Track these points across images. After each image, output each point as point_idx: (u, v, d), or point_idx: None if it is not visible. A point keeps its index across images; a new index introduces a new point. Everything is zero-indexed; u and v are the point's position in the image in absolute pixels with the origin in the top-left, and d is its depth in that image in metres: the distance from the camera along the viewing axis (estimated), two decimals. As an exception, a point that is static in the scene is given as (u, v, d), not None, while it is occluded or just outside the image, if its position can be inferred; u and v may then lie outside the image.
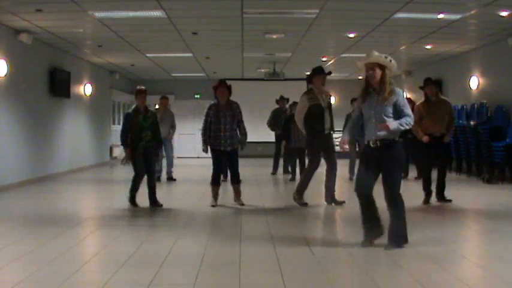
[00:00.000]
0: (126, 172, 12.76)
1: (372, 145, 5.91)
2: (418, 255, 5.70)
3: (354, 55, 15.63)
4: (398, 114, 5.86)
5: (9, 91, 11.38)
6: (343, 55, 15.70)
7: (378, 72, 5.84)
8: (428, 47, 14.11)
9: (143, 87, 9.08)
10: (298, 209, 8.76)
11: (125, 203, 8.95)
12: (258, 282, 4.86)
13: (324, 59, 16.71)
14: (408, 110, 5.88)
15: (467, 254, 5.88)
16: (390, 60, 5.87)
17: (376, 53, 5.90)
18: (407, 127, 5.88)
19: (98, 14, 10.45)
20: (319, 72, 8.90)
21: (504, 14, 10.16)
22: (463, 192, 11.14)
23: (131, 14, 10.46)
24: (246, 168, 16.00)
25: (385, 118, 5.81)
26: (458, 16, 10.54)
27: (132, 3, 9.80)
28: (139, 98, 8.91)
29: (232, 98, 9.02)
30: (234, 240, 6.36)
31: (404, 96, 5.63)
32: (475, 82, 14.28)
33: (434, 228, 7.19)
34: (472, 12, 10.12)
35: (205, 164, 17.68)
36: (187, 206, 9.12)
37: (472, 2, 9.55)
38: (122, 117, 21.54)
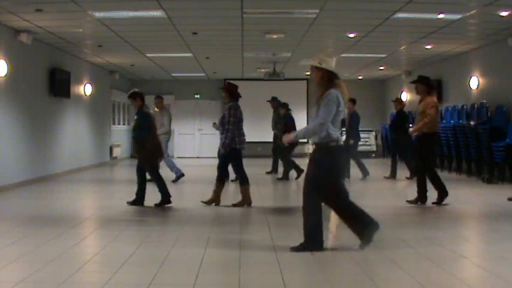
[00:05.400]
0: (126, 172, 12.85)
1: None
2: (418, 255, 5.71)
3: (354, 55, 15.67)
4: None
5: (9, 91, 11.38)
6: (343, 55, 15.69)
7: (314, 74, 5.80)
8: (428, 47, 14.11)
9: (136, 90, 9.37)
10: (297, 209, 8.76)
11: (125, 203, 8.97)
12: (258, 282, 4.86)
13: (324, 59, 16.68)
14: (323, 112, 5.62)
15: (467, 254, 5.88)
16: (320, 63, 5.70)
17: (320, 56, 5.76)
18: (314, 131, 5.64)
19: (98, 14, 10.45)
20: None
21: (504, 14, 10.17)
22: (463, 192, 11.15)
23: (131, 14, 10.46)
24: (246, 168, 16.02)
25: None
26: (458, 16, 10.54)
27: (132, 3, 9.81)
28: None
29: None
30: (234, 240, 6.36)
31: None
32: (475, 82, 14.28)
33: (434, 229, 7.20)
34: (472, 12, 10.12)
35: (205, 164, 17.72)
36: (187, 206, 9.12)
37: (472, 2, 9.55)
38: (122, 117, 21.62)
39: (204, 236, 6.62)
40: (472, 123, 13.01)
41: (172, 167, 12.63)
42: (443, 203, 8.90)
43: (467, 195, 10.81)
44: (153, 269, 5.05)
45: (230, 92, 9.05)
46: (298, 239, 5.84)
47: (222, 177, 9.04)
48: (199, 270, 5.04)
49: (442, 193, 8.96)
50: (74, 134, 15.49)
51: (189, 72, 20.09)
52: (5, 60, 11.07)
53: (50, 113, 13.72)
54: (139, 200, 8.99)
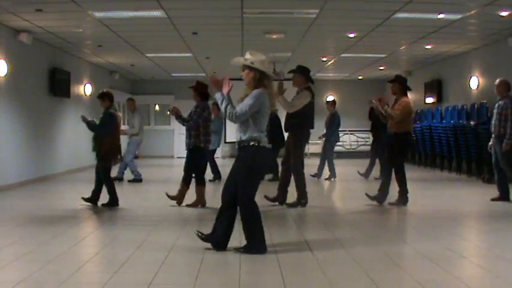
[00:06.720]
0: (125, 172, 12.86)
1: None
2: (418, 255, 5.71)
3: (354, 55, 15.66)
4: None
5: (9, 91, 11.39)
6: (343, 55, 15.69)
7: (246, 74, 5.72)
8: (428, 47, 14.11)
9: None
10: (296, 209, 8.76)
11: (125, 203, 8.98)
12: (258, 282, 4.86)
13: (324, 59, 16.71)
14: (243, 105, 5.60)
15: (467, 254, 5.88)
16: (253, 63, 5.61)
17: (247, 55, 5.69)
18: (227, 114, 5.62)
19: (98, 14, 10.45)
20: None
21: (504, 14, 10.17)
22: (463, 192, 11.16)
23: (131, 14, 10.46)
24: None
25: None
26: (458, 16, 10.54)
27: (132, 3, 9.81)
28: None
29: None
30: (234, 240, 6.35)
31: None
32: (475, 82, 14.28)
33: (434, 228, 7.20)
34: (472, 12, 10.12)
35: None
36: (187, 207, 9.11)
37: (472, 2, 9.55)
38: (122, 117, 21.61)
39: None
40: (472, 123, 13.01)
41: (133, 169, 12.87)
42: (401, 205, 8.86)
43: (467, 195, 10.81)
44: (153, 269, 5.06)
45: (199, 91, 9.12)
46: (298, 238, 5.85)
47: (200, 180, 9.08)
48: (199, 270, 5.04)
49: (404, 197, 8.91)
50: (74, 134, 15.48)
51: (189, 72, 20.07)
52: (5, 60, 11.07)
53: (50, 113, 13.72)
54: (95, 199, 9.05)
